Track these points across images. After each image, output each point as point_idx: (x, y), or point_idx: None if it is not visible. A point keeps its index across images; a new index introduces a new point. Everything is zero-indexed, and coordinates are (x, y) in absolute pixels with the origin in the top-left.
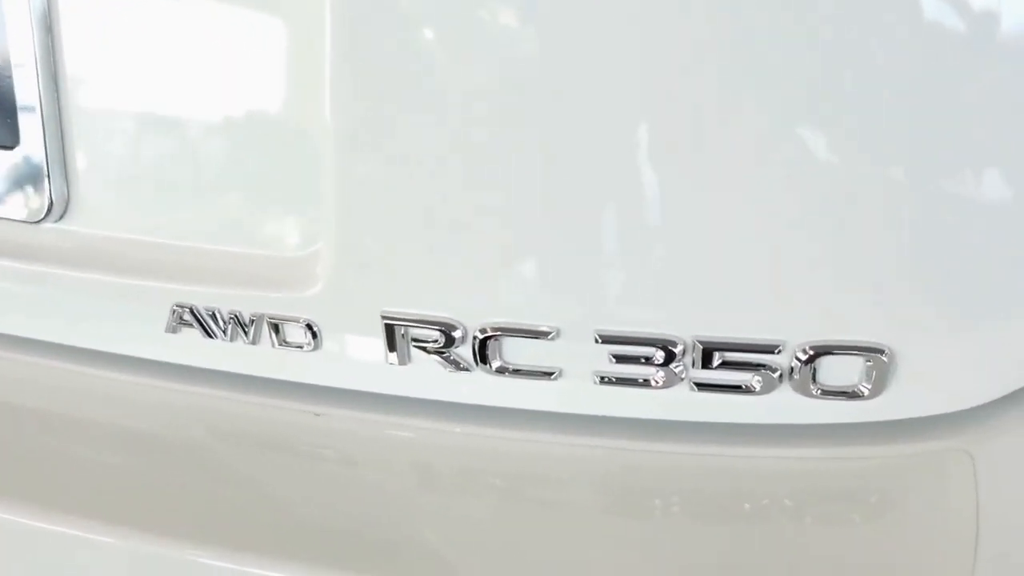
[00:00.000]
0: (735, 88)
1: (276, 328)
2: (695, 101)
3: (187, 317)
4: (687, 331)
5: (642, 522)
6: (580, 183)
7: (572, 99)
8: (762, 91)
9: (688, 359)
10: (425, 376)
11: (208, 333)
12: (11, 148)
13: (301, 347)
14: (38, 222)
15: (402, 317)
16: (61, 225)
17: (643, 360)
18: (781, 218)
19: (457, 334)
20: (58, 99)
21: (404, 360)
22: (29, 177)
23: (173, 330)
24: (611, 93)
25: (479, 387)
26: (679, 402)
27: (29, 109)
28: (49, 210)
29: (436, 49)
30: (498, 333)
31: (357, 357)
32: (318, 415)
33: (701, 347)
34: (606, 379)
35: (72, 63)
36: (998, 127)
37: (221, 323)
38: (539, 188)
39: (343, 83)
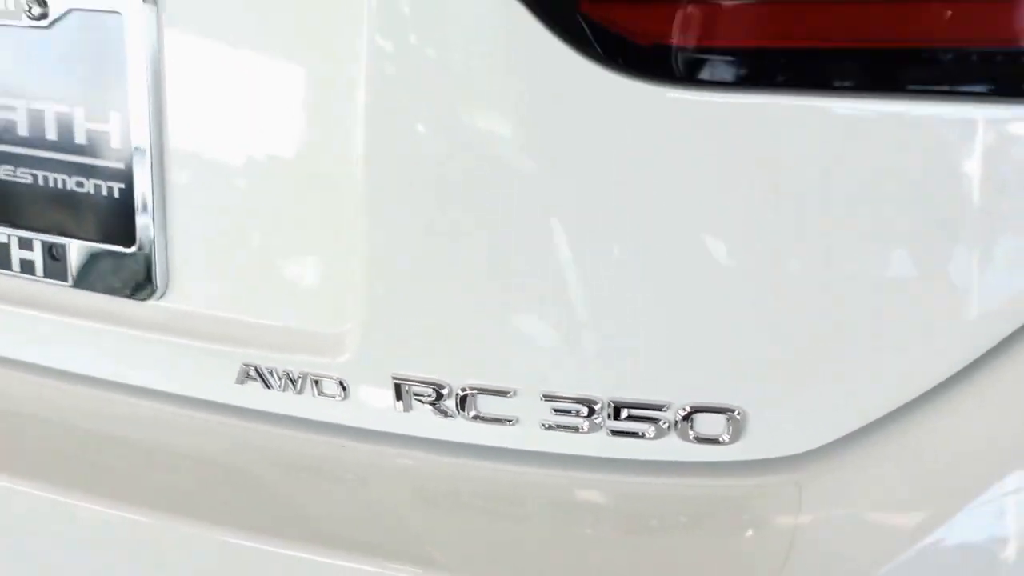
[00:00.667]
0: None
1: (316, 383)
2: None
3: (252, 373)
4: (605, 393)
5: (569, 528)
6: (524, 288)
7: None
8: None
9: (605, 413)
10: (422, 420)
11: (267, 385)
12: (129, 247)
13: (334, 397)
14: (144, 300)
15: (407, 378)
16: (161, 303)
17: (574, 413)
18: (664, 317)
19: (445, 391)
20: (165, 211)
21: (408, 408)
22: (141, 268)
23: (242, 381)
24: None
25: (461, 429)
26: (599, 444)
27: (145, 216)
28: (152, 292)
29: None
30: (474, 391)
31: (374, 405)
32: (343, 447)
33: (613, 405)
34: (549, 426)
35: (175, 185)
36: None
37: (276, 378)
38: (498, 296)
39: (378, 221)
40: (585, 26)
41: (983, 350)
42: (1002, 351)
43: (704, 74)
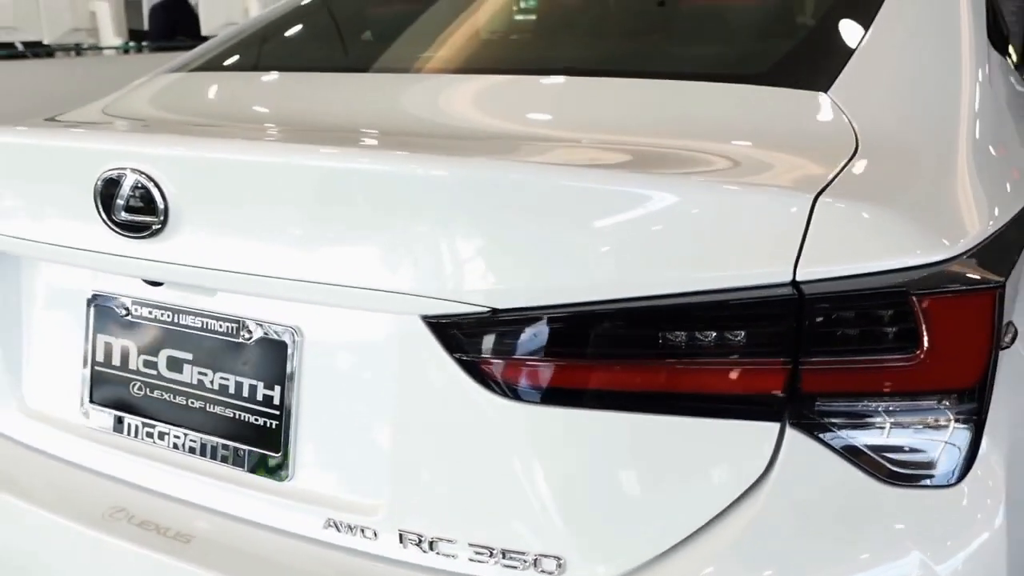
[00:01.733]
0: None
1: (363, 531)
2: None
3: (330, 523)
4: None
5: None
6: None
7: None
8: None
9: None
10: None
11: (337, 529)
12: (276, 453)
13: (370, 539)
14: (282, 480)
15: (407, 531)
16: (288, 483)
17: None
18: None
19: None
20: (297, 435)
21: (405, 547)
22: (281, 464)
23: (326, 527)
24: None
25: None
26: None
27: (287, 437)
28: (286, 477)
29: None
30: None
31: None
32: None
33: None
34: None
35: (304, 422)
36: None
37: (341, 526)
38: None
39: None
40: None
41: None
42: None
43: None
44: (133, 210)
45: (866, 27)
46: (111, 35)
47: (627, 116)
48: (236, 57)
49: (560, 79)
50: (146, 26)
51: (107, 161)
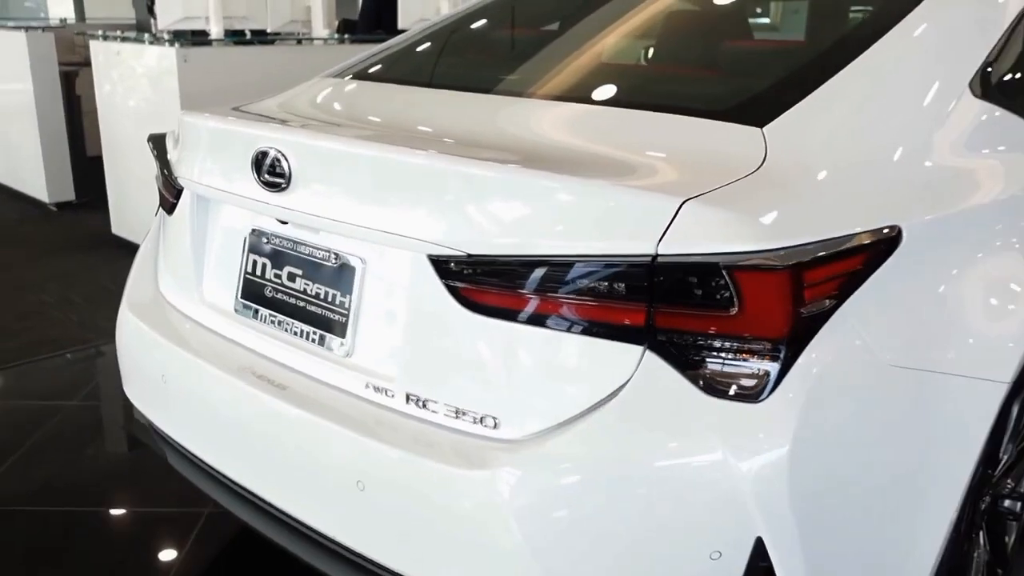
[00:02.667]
0: None
1: (385, 391)
2: None
3: (369, 385)
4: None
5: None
6: None
7: None
8: None
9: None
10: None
11: (375, 389)
12: (343, 337)
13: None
14: (346, 356)
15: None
16: (350, 358)
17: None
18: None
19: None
20: (358, 325)
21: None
22: (350, 346)
23: (366, 387)
24: None
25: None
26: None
27: (351, 326)
28: (348, 353)
29: None
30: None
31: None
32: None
33: (454, 408)
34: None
35: (364, 316)
36: None
37: (376, 388)
38: None
39: None
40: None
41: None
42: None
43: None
44: (272, 173)
45: (825, 79)
46: (321, 27)
47: (603, 135)
48: (375, 69)
49: (561, 104)
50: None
51: (259, 142)
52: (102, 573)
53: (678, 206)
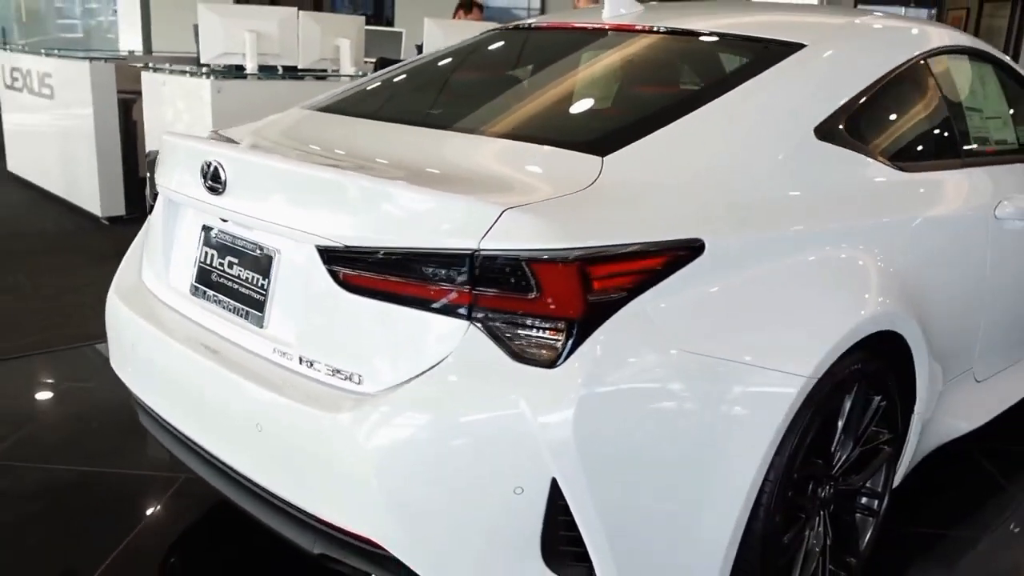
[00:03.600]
0: None
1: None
2: None
3: (277, 351)
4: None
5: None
6: None
7: None
8: None
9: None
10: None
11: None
12: (261, 312)
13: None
14: (261, 328)
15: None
16: (264, 330)
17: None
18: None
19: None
20: (272, 298)
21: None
22: (262, 319)
23: (272, 353)
24: None
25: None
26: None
27: (267, 301)
28: (262, 326)
29: None
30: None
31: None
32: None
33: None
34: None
35: (279, 290)
36: None
37: (282, 353)
38: None
39: None
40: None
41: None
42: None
43: None
44: (214, 180)
45: (670, 122)
46: (348, 64)
47: (477, 158)
48: (333, 102)
49: (452, 133)
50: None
51: (206, 156)
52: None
53: (499, 213)
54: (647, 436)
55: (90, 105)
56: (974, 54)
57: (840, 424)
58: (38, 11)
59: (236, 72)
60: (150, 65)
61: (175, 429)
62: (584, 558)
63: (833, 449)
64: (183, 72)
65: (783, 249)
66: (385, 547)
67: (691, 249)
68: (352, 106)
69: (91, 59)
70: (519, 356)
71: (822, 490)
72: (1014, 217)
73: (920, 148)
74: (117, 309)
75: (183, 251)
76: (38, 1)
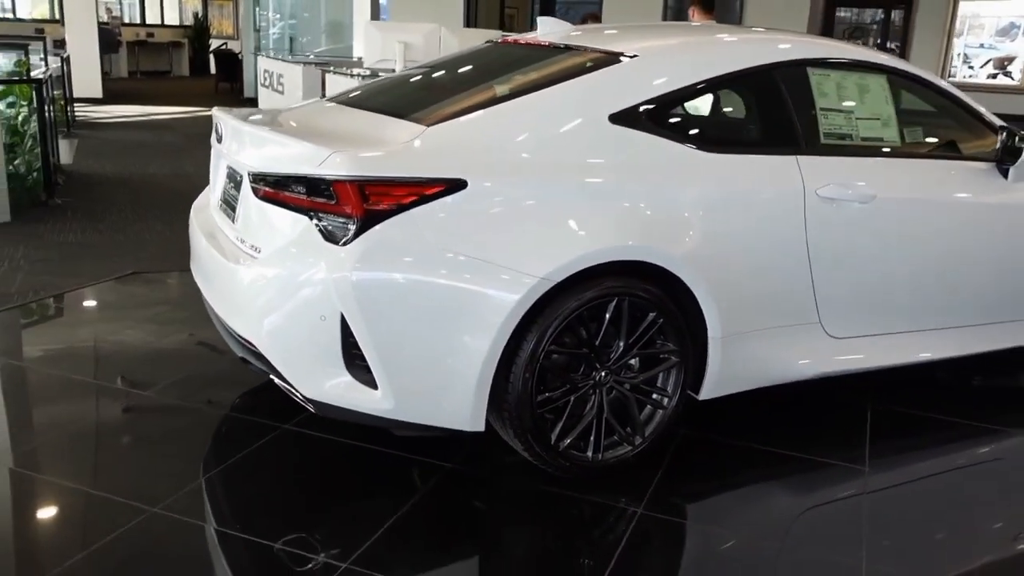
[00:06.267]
0: None
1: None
2: None
3: None
4: None
5: None
6: None
7: None
8: None
9: None
10: None
11: None
12: None
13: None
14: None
15: None
16: None
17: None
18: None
19: None
20: None
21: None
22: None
23: None
24: None
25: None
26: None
27: None
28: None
29: None
30: None
31: None
32: None
33: None
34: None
35: None
36: None
37: None
38: None
39: None
40: None
41: None
42: None
43: None
44: (218, 134)
45: (483, 108)
46: None
47: (361, 125)
48: (340, 95)
49: (361, 111)
50: None
51: (217, 120)
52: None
53: (328, 154)
54: (406, 291)
55: (300, 100)
56: (856, 66)
57: (603, 326)
58: (317, 29)
59: (374, 72)
60: (331, 68)
61: (205, 300)
62: (367, 366)
63: (598, 343)
64: (344, 73)
65: (542, 193)
66: (257, 346)
67: (456, 184)
68: (339, 97)
69: (303, 63)
70: (328, 237)
71: (595, 373)
72: (834, 196)
73: (733, 137)
74: (190, 221)
75: (217, 181)
76: (318, 22)
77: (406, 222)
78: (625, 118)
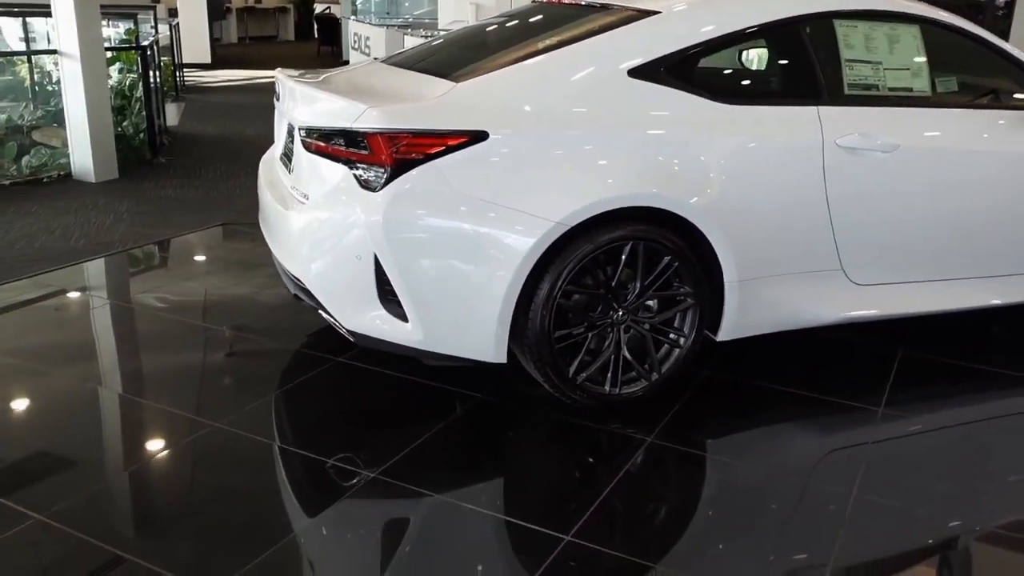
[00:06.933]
0: None
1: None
2: None
3: None
4: None
5: None
6: None
7: None
8: None
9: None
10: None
11: None
12: None
13: None
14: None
15: None
16: None
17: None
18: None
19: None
20: None
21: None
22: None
23: None
24: None
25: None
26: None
27: None
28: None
29: None
30: None
31: None
32: None
33: None
34: None
35: None
36: None
37: None
38: None
39: None
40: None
41: None
42: None
43: None
44: (277, 93)
45: (517, 63)
46: None
47: (402, 84)
48: (391, 57)
49: (408, 71)
50: None
51: (276, 81)
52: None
53: (364, 109)
54: (432, 233)
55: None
56: (887, 16)
57: (620, 268)
58: None
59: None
60: (408, 30)
61: (269, 245)
62: (399, 301)
63: (614, 285)
64: (419, 35)
65: (558, 144)
66: (305, 283)
67: (478, 135)
68: (391, 59)
69: (387, 26)
70: (363, 185)
71: (613, 313)
72: (855, 146)
73: (751, 89)
74: (259, 172)
75: (280, 136)
76: None
77: (432, 170)
78: (644, 72)
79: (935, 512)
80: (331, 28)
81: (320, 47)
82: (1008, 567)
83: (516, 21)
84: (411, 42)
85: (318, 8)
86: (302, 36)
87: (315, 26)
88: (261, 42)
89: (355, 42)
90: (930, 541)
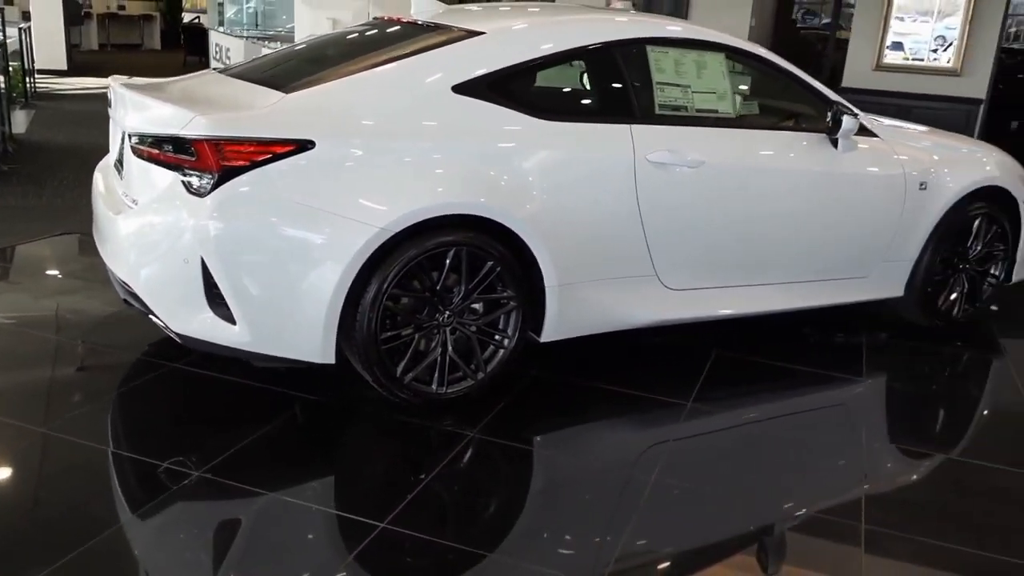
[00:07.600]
0: None
1: None
2: None
3: None
4: None
5: None
6: None
7: None
8: None
9: None
10: None
11: None
12: None
13: None
14: None
15: None
16: None
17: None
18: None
19: None
20: None
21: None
22: None
23: None
24: None
25: None
26: None
27: None
28: None
29: None
30: None
31: None
32: None
33: None
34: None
35: None
36: None
37: None
38: None
39: None
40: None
41: None
42: None
43: None
44: (110, 101)
45: (347, 76)
46: None
47: (235, 94)
48: (228, 69)
49: (243, 82)
50: None
51: (109, 88)
52: None
53: (192, 116)
54: (259, 238)
55: None
56: (695, 44)
57: (444, 273)
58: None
59: None
60: (266, 43)
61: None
62: (227, 304)
63: (439, 288)
64: (271, 47)
65: (383, 154)
66: (134, 288)
67: (304, 144)
68: (228, 70)
69: (245, 38)
70: (191, 190)
71: (439, 315)
72: (664, 161)
73: (570, 106)
74: (94, 179)
75: (116, 143)
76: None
77: (260, 177)
78: (467, 88)
79: (724, 493)
80: (198, 38)
81: (187, 57)
82: (796, 542)
83: (355, 35)
84: (261, 50)
85: (187, 18)
86: (169, 45)
87: (182, 36)
88: (125, 50)
89: (216, 53)
90: (721, 518)
